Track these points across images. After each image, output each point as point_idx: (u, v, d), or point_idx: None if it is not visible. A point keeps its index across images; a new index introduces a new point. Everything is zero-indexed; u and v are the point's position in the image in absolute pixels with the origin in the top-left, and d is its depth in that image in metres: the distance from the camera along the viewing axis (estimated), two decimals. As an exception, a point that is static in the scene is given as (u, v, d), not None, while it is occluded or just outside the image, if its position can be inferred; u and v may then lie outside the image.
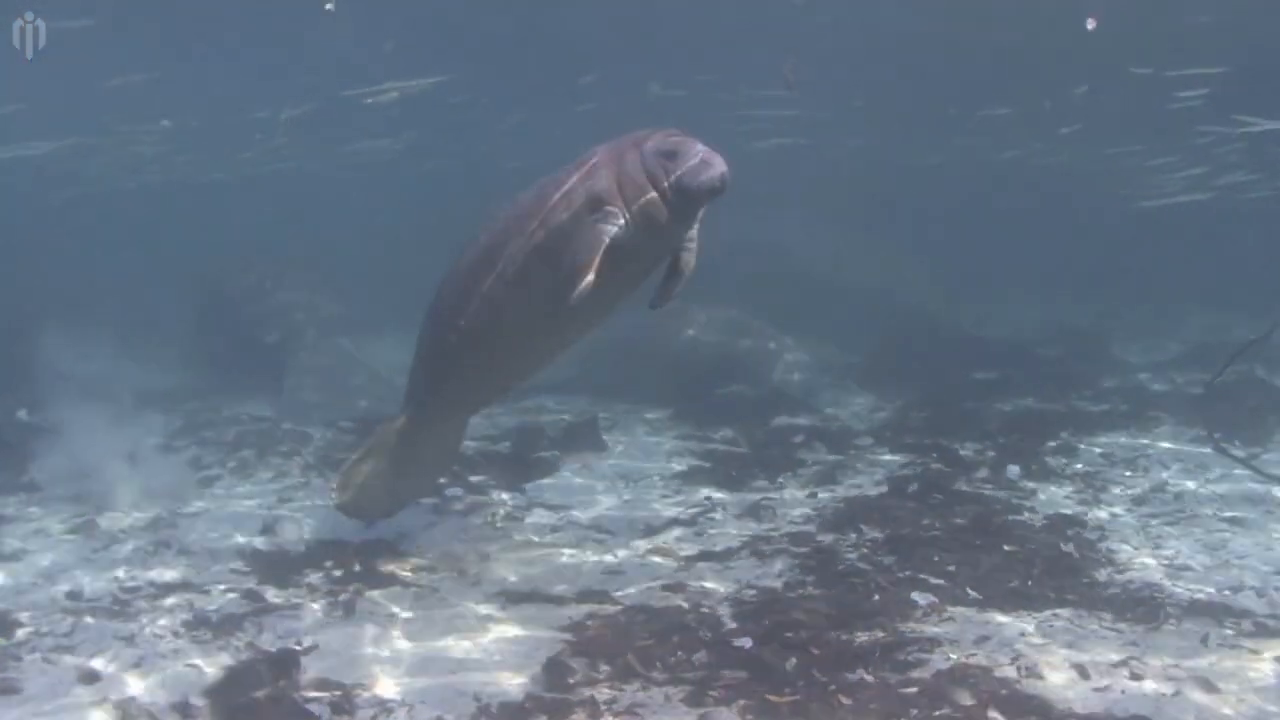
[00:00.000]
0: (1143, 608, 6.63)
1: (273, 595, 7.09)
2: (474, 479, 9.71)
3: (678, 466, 10.40)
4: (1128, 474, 9.98)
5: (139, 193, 25.51)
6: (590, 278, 6.36)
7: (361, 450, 7.91)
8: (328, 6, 18.04)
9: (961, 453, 10.57)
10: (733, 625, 6.33)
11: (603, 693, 5.55)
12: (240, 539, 8.32)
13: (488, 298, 6.89)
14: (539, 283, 6.67)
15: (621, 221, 6.40)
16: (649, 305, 6.89)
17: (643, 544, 8.08)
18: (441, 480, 9.01)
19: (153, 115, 20.90)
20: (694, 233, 6.75)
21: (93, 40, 16.62)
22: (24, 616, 6.75)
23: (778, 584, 7.09)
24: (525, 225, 6.68)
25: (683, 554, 7.82)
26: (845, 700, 5.39)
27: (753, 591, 6.95)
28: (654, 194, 6.37)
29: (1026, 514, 8.57)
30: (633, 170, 6.41)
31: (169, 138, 21.27)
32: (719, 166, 6.26)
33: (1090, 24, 18.20)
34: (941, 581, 6.99)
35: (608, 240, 6.38)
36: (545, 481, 9.86)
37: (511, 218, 6.82)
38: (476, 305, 6.95)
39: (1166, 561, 7.60)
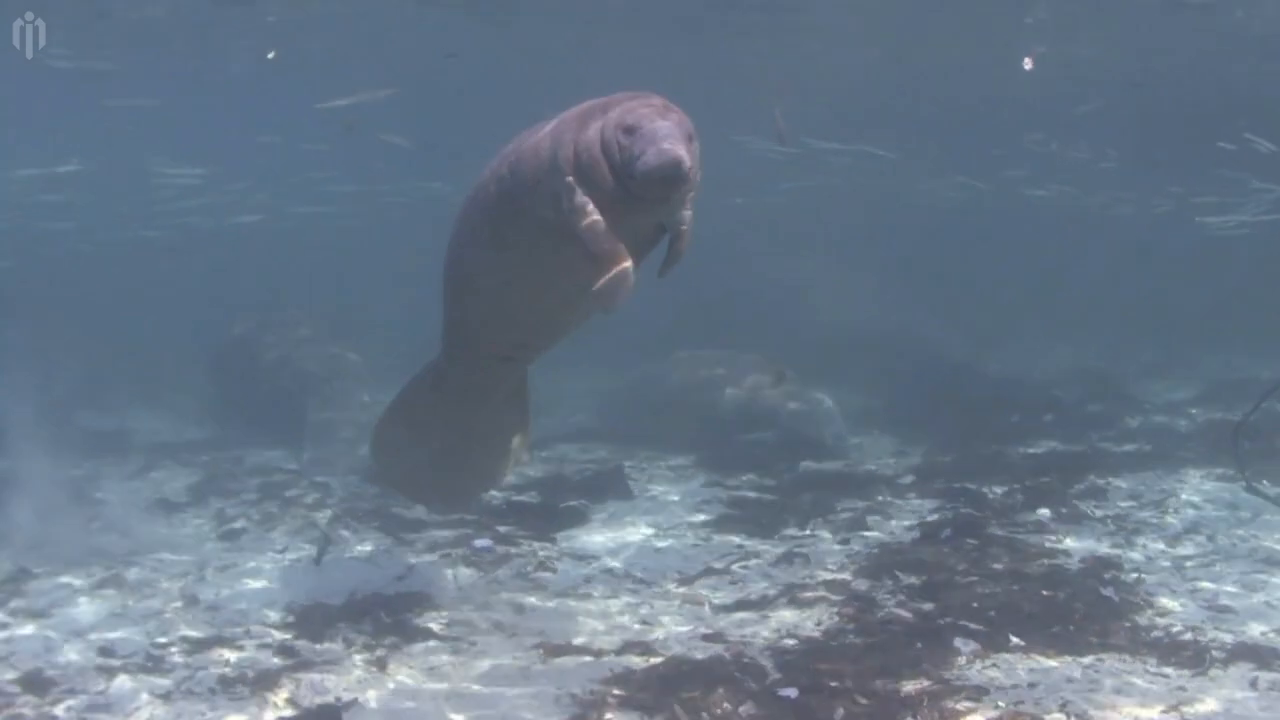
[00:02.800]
0: (1187, 651, 6.57)
1: (307, 650, 7.02)
2: (502, 529, 9.66)
3: (706, 514, 10.34)
4: (1158, 515, 9.91)
5: (157, 240, 25.47)
6: (613, 258, 5.73)
7: (393, 402, 7.43)
8: (269, 56, 18.11)
9: (990, 496, 10.51)
10: (777, 675, 6.27)
11: (650, 746, 5.49)
12: (271, 592, 8.25)
13: (470, 235, 6.48)
14: (505, 233, 6.21)
15: (578, 196, 5.73)
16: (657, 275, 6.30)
17: (678, 593, 8.02)
18: (469, 517, 8.91)
19: (162, 152, 20.90)
20: (687, 215, 6.03)
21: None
22: (56, 675, 6.67)
23: (817, 632, 7.02)
24: (499, 171, 6.21)
25: (719, 602, 7.76)
26: (897, 751, 5.33)
27: (793, 640, 6.88)
28: (605, 171, 5.65)
29: (1061, 558, 8.51)
30: (591, 141, 5.68)
31: (198, 185, 21.26)
32: (670, 154, 5.37)
33: (1027, 64, 18.12)
34: (983, 628, 6.92)
35: (591, 219, 5.71)
36: (575, 531, 9.80)
37: (500, 162, 6.28)
38: (461, 243, 6.60)
39: (1206, 603, 7.53)
